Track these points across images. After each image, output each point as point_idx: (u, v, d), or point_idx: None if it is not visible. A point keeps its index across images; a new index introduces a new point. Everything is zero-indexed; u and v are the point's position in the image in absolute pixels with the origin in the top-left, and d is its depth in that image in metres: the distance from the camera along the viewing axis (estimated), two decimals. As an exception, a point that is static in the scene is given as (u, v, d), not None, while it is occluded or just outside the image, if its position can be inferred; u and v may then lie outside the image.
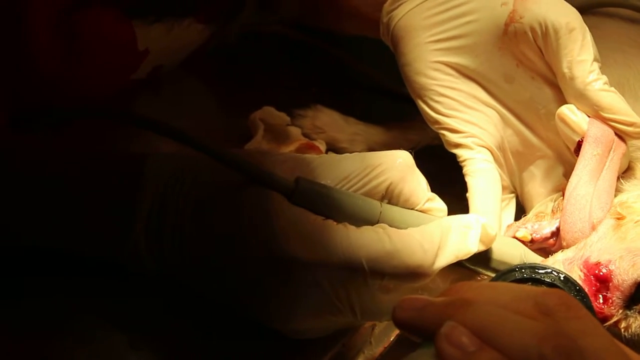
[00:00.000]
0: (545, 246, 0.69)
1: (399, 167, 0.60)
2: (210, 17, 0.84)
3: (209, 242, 0.57)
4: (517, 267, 0.59)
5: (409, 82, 0.75)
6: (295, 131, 0.86)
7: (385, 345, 0.69)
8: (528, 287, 0.51)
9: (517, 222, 0.72)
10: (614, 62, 0.80)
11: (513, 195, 0.78)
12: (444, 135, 0.74)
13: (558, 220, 0.68)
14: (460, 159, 0.73)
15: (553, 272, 0.58)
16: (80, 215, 0.59)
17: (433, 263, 0.57)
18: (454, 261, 0.59)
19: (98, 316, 0.62)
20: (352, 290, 0.56)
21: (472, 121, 0.73)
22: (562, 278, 0.57)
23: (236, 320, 0.61)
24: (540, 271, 0.58)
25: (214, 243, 0.57)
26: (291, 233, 0.55)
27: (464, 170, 0.73)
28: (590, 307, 0.57)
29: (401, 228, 0.59)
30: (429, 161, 0.79)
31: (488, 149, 0.73)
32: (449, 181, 0.74)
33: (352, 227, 0.57)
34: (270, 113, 0.84)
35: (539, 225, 0.69)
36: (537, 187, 0.76)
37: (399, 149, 0.76)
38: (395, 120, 0.90)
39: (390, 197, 0.61)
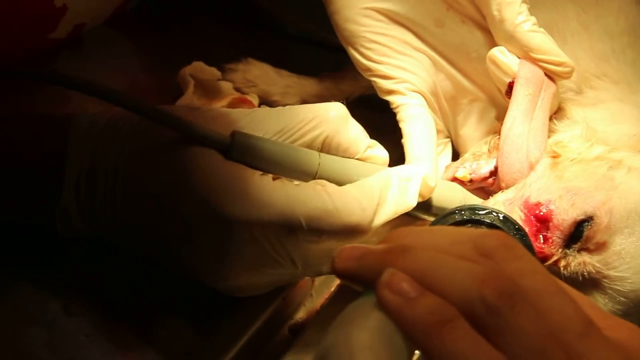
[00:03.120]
0: (484, 185, 0.70)
1: (333, 119, 0.59)
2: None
3: (143, 201, 0.55)
4: (457, 210, 0.58)
5: (339, 30, 0.74)
6: (226, 86, 0.83)
7: (326, 297, 0.69)
8: (467, 230, 0.51)
9: (455, 163, 0.72)
10: (542, 4, 0.80)
11: (448, 139, 0.78)
12: (376, 82, 0.73)
13: (495, 159, 0.69)
14: (393, 105, 0.73)
15: (492, 212, 0.58)
16: (7, 181, 0.57)
17: (372, 220, 0.57)
18: (394, 217, 0.58)
19: (33, 283, 0.60)
20: (290, 245, 0.55)
21: (403, 67, 0.72)
22: (501, 218, 0.57)
23: (173, 281, 0.60)
24: (480, 212, 0.58)
25: (148, 202, 0.55)
26: (226, 190, 0.53)
27: (398, 117, 0.72)
28: (529, 246, 0.57)
29: (340, 179, 0.58)
30: (364, 110, 0.79)
31: (421, 94, 0.73)
32: (385, 129, 0.73)
33: (290, 184, 0.56)
34: (201, 68, 0.82)
35: (477, 164, 0.69)
36: (471, 130, 0.76)
37: (333, 100, 0.76)
38: (328, 71, 0.89)
39: (328, 149, 0.60)
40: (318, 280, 0.71)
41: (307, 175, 0.58)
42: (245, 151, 0.55)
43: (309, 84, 0.88)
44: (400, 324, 0.39)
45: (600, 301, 0.62)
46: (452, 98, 0.76)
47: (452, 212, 0.58)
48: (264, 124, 0.58)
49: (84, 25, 0.84)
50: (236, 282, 0.56)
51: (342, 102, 0.61)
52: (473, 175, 0.69)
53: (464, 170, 0.69)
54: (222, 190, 0.53)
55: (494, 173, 0.69)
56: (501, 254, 0.42)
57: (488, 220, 0.58)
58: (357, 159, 0.61)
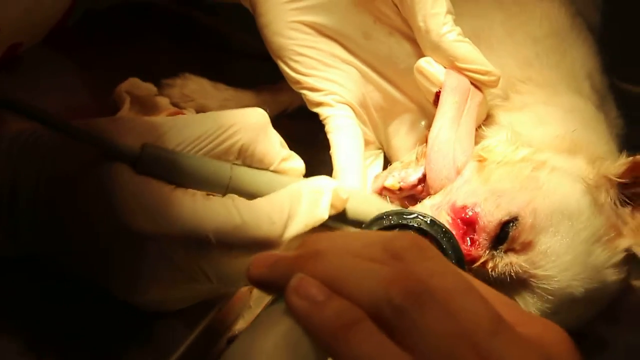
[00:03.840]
0: (413, 193, 0.71)
1: (252, 126, 0.60)
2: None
3: (61, 219, 0.55)
4: (384, 215, 0.59)
5: (268, 43, 0.75)
6: (163, 101, 0.84)
7: (264, 307, 0.69)
8: (378, 233, 0.52)
9: (383, 172, 0.73)
10: (468, 13, 0.82)
11: (380, 151, 0.79)
12: (305, 95, 0.75)
13: (423, 166, 0.70)
14: (322, 117, 0.74)
15: (419, 216, 0.59)
16: None
17: (282, 234, 0.57)
18: (306, 229, 0.58)
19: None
20: (202, 260, 0.55)
21: (331, 79, 0.74)
22: (428, 222, 0.58)
23: (101, 297, 0.60)
24: (407, 216, 0.59)
25: (66, 220, 0.55)
26: (134, 205, 0.54)
27: (326, 128, 0.73)
28: (457, 248, 0.58)
29: (252, 192, 0.59)
30: (302, 121, 0.80)
31: (349, 106, 0.74)
32: (321, 141, 0.75)
33: (199, 198, 0.56)
34: (136, 84, 0.82)
35: (406, 172, 0.70)
36: (402, 140, 0.77)
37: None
38: (266, 83, 0.90)
39: (244, 157, 0.60)
40: (256, 291, 0.71)
41: (219, 187, 0.58)
42: (155, 164, 0.56)
43: (247, 97, 0.89)
44: (307, 328, 0.39)
45: (530, 300, 0.64)
46: (382, 109, 0.77)
47: (380, 217, 0.59)
48: (183, 131, 0.58)
49: (21, 44, 0.83)
50: (150, 296, 0.57)
51: (265, 109, 0.62)
52: (402, 183, 0.70)
53: (392, 179, 0.70)
54: (129, 204, 0.54)
55: (423, 180, 0.70)
56: (412, 254, 0.42)
57: (415, 224, 0.59)
58: (272, 170, 0.62)
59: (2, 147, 0.56)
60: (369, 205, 0.63)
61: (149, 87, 0.83)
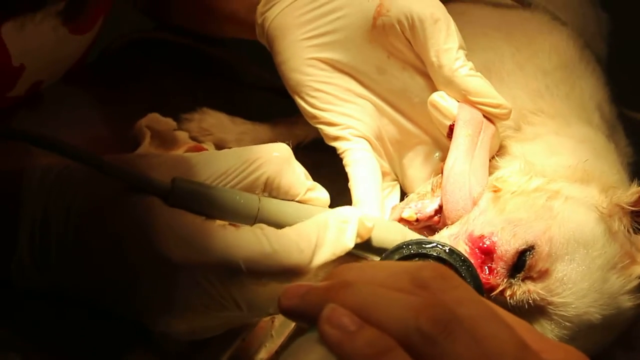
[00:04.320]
0: (430, 224, 0.72)
1: (275, 160, 0.61)
2: (86, 28, 0.84)
3: (92, 252, 0.57)
4: (404, 244, 0.61)
5: (285, 79, 0.77)
6: (182, 135, 0.86)
7: (286, 336, 0.70)
8: (404, 263, 0.53)
9: (401, 204, 0.74)
10: (479, 46, 0.84)
11: (396, 182, 0.80)
12: (322, 129, 0.77)
13: (439, 197, 0.71)
14: (340, 151, 0.76)
15: (438, 245, 0.60)
16: None
17: (310, 262, 0.58)
18: (333, 258, 0.60)
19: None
20: (233, 288, 0.57)
21: (347, 113, 0.76)
22: (447, 251, 0.60)
23: (130, 329, 0.61)
24: (427, 245, 0.60)
25: (97, 252, 0.57)
26: (168, 236, 0.55)
27: (344, 162, 0.75)
28: (476, 277, 0.60)
29: (280, 222, 0.60)
30: (317, 153, 0.82)
31: (365, 139, 0.76)
32: (337, 172, 0.76)
33: (230, 228, 0.58)
34: (156, 119, 0.85)
35: (422, 204, 0.72)
36: (417, 172, 0.79)
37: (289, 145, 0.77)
38: (281, 116, 0.92)
39: (269, 190, 0.62)
40: (278, 320, 0.72)
41: (248, 218, 0.60)
42: (185, 197, 0.57)
43: (263, 130, 0.90)
44: (341, 357, 0.41)
45: (547, 327, 0.65)
46: (397, 142, 0.79)
47: (400, 247, 0.61)
48: (209, 166, 0.60)
49: (42, 82, 0.86)
50: (182, 325, 0.58)
51: (288, 144, 0.64)
52: (419, 214, 0.71)
53: (409, 210, 0.71)
54: (163, 235, 0.55)
55: (439, 211, 0.71)
56: (437, 284, 0.44)
57: (434, 254, 0.60)
58: (298, 200, 0.63)
59: (33, 181, 0.58)
60: (393, 233, 0.65)
61: (168, 122, 0.85)
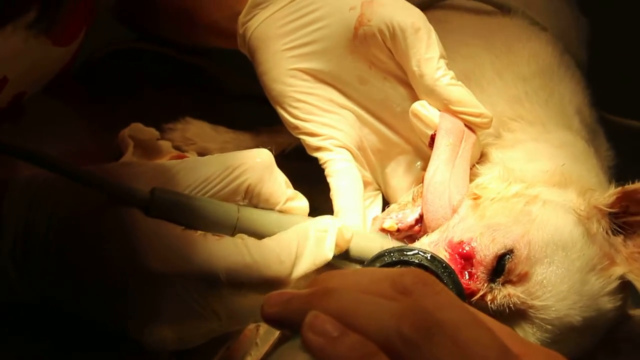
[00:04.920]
0: (411, 233, 0.72)
1: (258, 166, 0.62)
2: (68, 40, 0.84)
3: (73, 261, 0.57)
4: (386, 252, 0.61)
5: (267, 90, 0.78)
6: (165, 145, 0.86)
7: (271, 344, 0.71)
8: (385, 270, 0.54)
9: (382, 214, 0.74)
10: (459, 55, 0.85)
11: (378, 191, 0.81)
12: (304, 140, 0.77)
13: (420, 207, 0.71)
14: (321, 162, 0.76)
15: (420, 252, 0.61)
16: None
17: (290, 273, 0.59)
18: (312, 268, 0.60)
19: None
20: (212, 298, 0.57)
21: (329, 124, 0.76)
22: (429, 257, 0.61)
23: (113, 338, 0.61)
24: (408, 252, 0.61)
25: (78, 262, 0.57)
26: (148, 246, 0.56)
27: (326, 172, 0.76)
28: (457, 283, 0.61)
29: (259, 231, 0.60)
30: (299, 161, 0.82)
31: (347, 149, 0.76)
32: (319, 181, 0.77)
33: (211, 238, 0.58)
34: (139, 129, 0.85)
35: (403, 214, 0.72)
36: (399, 181, 0.79)
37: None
38: (264, 125, 0.92)
39: (250, 197, 0.62)
40: (263, 328, 0.72)
41: (227, 228, 0.60)
42: (165, 207, 0.58)
43: (246, 139, 0.91)
44: None
45: (529, 331, 0.65)
46: (380, 151, 0.79)
47: (382, 254, 0.61)
48: (191, 174, 0.60)
49: (25, 93, 0.86)
50: (164, 335, 0.58)
51: (270, 150, 0.64)
52: (400, 224, 0.71)
53: (390, 220, 0.71)
54: (142, 246, 0.55)
55: (420, 220, 0.71)
56: (419, 289, 0.45)
57: (416, 260, 0.61)
58: (278, 209, 0.63)
59: (15, 193, 0.58)
60: (371, 243, 0.66)
61: (151, 132, 0.86)
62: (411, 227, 0.71)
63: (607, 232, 0.68)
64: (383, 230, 0.71)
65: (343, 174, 0.75)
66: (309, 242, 0.60)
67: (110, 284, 0.56)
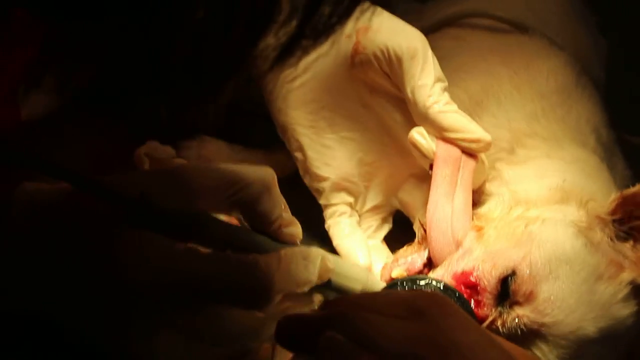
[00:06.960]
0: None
1: (257, 183, 0.60)
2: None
3: (66, 277, 0.56)
4: (399, 281, 0.62)
5: (273, 119, 0.79)
6: (181, 163, 0.86)
7: (286, 364, 0.70)
8: (401, 292, 0.53)
9: (389, 262, 0.73)
10: (478, 70, 0.85)
11: (387, 214, 0.82)
12: (305, 179, 0.81)
13: (427, 250, 0.71)
14: (323, 206, 0.79)
15: (432, 281, 0.62)
16: None
17: (272, 288, 0.54)
18: (295, 289, 0.56)
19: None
20: (195, 315, 0.55)
21: (330, 163, 0.78)
22: (441, 287, 0.61)
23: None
24: (421, 282, 0.62)
25: (61, 273, 0.55)
26: (131, 258, 0.54)
27: (326, 225, 0.79)
28: (471, 311, 0.61)
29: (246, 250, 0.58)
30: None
31: (346, 190, 0.78)
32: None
33: (196, 252, 0.56)
34: (155, 147, 0.85)
35: (412, 259, 0.71)
36: (416, 201, 0.79)
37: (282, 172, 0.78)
38: (280, 144, 0.92)
39: (245, 213, 0.60)
40: (279, 348, 0.71)
41: (214, 242, 0.58)
42: (151, 218, 0.56)
43: (261, 157, 0.91)
44: None
45: (545, 350, 0.64)
46: (390, 176, 0.79)
47: (395, 283, 0.62)
48: (190, 182, 0.58)
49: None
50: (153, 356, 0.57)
51: (275, 170, 0.62)
52: (409, 271, 0.70)
53: (399, 268, 0.71)
54: (126, 258, 0.54)
55: (428, 263, 0.71)
56: (434, 311, 0.44)
57: (429, 290, 0.61)
58: (271, 231, 0.61)
59: (21, 201, 0.56)
60: (354, 274, 0.62)
61: (167, 150, 0.85)
62: (420, 271, 0.71)
63: (612, 239, 0.67)
64: (392, 279, 0.69)
65: (340, 227, 0.78)
66: (292, 264, 0.57)
67: (91, 298, 0.55)
